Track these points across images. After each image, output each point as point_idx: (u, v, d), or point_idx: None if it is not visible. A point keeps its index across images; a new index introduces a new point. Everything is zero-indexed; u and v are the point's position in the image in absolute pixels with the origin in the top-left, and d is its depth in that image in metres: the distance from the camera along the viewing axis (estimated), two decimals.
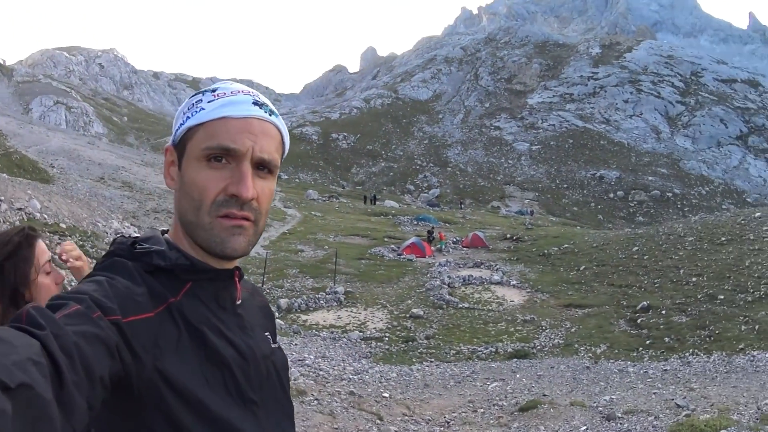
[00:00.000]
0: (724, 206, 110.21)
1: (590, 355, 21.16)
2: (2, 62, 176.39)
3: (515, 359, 20.85)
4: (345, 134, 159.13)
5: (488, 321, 26.65)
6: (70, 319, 1.24)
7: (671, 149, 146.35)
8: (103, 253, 1.69)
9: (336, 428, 11.86)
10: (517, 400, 15.02)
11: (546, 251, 41.26)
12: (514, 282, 33.96)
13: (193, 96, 1.69)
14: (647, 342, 22.04)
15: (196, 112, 1.62)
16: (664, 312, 25.01)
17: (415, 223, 63.33)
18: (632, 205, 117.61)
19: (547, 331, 24.82)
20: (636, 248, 35.99)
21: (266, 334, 1.83)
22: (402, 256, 41.96)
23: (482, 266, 39.27)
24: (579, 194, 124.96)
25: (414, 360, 20.82)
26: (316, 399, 13.52)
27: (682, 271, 29.85)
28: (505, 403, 14.83)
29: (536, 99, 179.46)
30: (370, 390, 15.81)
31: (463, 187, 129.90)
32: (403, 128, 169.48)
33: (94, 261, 2.71)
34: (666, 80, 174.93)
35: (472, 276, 35.24)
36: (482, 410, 14.40)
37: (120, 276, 1.48)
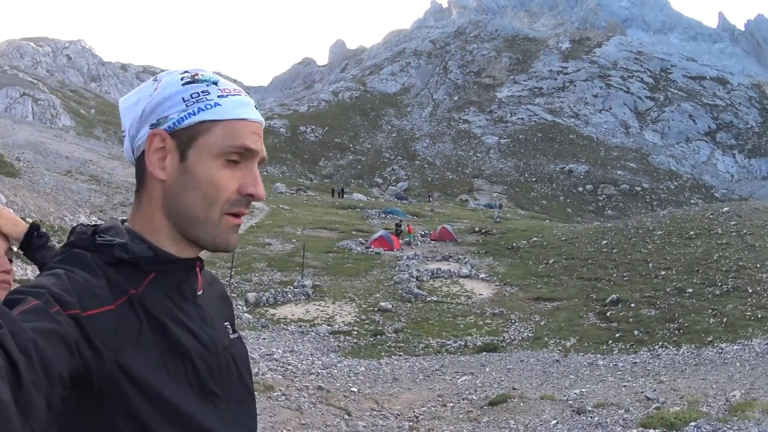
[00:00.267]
0: (692, 201, 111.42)
1: (560, 348, 21.27)
2: None
3: (484, 353, 20.94)
4: (313, 127, 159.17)
5: (457, 314, 26.73)
6: (27, 316, 1.20)
7: (640, 144, 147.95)
8: None
9: (304, 424, 11.77)
10: (486, 393, 15.01)
11: (515, 244, 41.41)
12: (483, 275, 34.06)
13: (188, 83, 1.60)
14: (617, 335, 22.18)
15: (210, 105, 1.57)
16: (633, 305, 25.19)
17: (383, 216, 63.40)
18: (601, 198, 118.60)
19: (517, 324, 24.92)
20: (605, 242, 36.19)
21: (225, 323, 1.78)
22: (370, 250, 42.05)
23: (451, 259, 39.39)
24: (548, 188, 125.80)
25: (383, 354, 20.85)
26: (284, 394, 13.44)
27: (651, 265, 30.05)
28: (474, 397, 14.81)
29: (505, 93, 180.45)
30: (338, 384, 15.77)
31: (432, 180, 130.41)
32: (372, 121, 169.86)
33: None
34: (635, 76, 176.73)
35: (440, 269, 35.38)
36: (452, 404, 14.39)
37: (79, 268, 1.43)
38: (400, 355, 20.71)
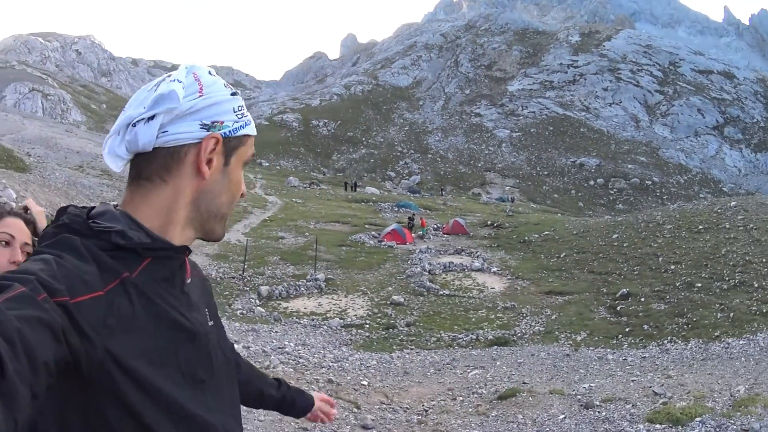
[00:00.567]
0: (701, 195, 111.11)
1: (570, 342, 21.25)
2: None
3: (496, 347, 20.91)
4: (325, 121, 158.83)
5: (469, 308, 26.69)
6: (12, 303, 1.20)
7: (650, 137, 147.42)
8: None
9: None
10: (496, 387, 15.06)
11: (527, 238, 41.37)
12: (495, 269, 34.04)
13: (234, 94, 1.72)
14: (627, 329, 22.18)
15: (249, 122, 1.76)
16: (643, 299, 25.19)
17: (396, 209, 63.30)
18: (612, 192, 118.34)
19: (528, 318, 24.90)
20: (616, 236, 36.16)
21: (205, 310, 1.81)
22: (383, 243, 41.91)
23: (463, 253, 39.28)
24: (559, 181, 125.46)
25: (394, 347, 20.82)
26: None
27: (660, 259, 30.04)
28: (484, 391, 14.86)
29: (516, 86, 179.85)
30: (349, 378, 15.82)
31: (444, 173, 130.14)
32: (384, 115, 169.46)
33: None
34: (644, 69, 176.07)
35: (452, 263, 35.26)
36: (461, 398, 14.43)
37: (68, 254, 1.44)
38: (411, 349, 20.66)
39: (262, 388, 2.48)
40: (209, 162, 1.64)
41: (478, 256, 37.66)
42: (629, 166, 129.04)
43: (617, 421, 11.13)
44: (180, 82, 1.61)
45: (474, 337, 22.19)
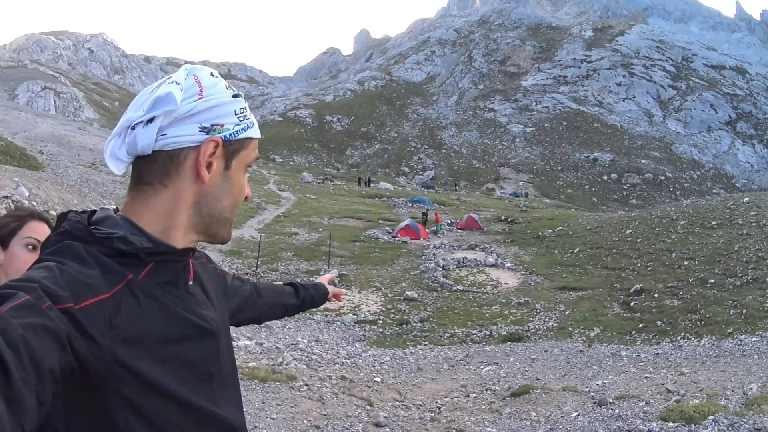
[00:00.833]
0: (714, 191, 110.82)
1: (584, 338, 21.20)
2: None
3: (509, 343, 20.85)
4: (339, 116, 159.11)
5: (482, 304, 26.68)
6: (17, 312, 1.20)
7: (663, 133, 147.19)
8: None
9: (325, 414, 11.86)
10: (510, 384, 15.06)
11: (540, 233, 41.27)
12: (509, 264, 33.98)
13: (235, 96, 1.69)
14: (640, 325, 22.12)
15: (251, 125, 1.73)
16: (656, 295, 25.12)
17: (410, 205, 63.28)
18: (626, 187, 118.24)
19: (542, 314, 24.86)
20: (629, 231, 36.05)
21: (215, 304, 1.81)
22: (396, 239, 41.91)
23: (477, 248, 39.20)
24: (573, 176, 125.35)
25: (408, 343, 20.78)
26: (306, 384, 13.50)
27: (674, 255, 29.94)
28: (497, 388, 14.86)
29: (530, 81, 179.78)
30: (362, 374, 15.84)
31: (458, 168, 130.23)
32: (397, 110, 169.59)
33: None
34: (658, 64, 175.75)
35: (466, 258, 35.22)
36: (474, 395, 14.43)
37: (71, 260, 1.44)
38: (425, 345, 20.63)
39: (285, 302, 2.78)
40: (209, 166, 1.63)
41: (491, 252, 37.59)
42: (643, 161, 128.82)
43: (630, 418, 11.09)
44: (179, 84, 1.60)
45: (487, 332, 22.15)
